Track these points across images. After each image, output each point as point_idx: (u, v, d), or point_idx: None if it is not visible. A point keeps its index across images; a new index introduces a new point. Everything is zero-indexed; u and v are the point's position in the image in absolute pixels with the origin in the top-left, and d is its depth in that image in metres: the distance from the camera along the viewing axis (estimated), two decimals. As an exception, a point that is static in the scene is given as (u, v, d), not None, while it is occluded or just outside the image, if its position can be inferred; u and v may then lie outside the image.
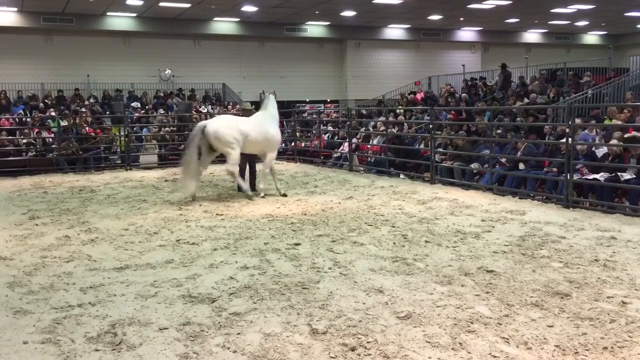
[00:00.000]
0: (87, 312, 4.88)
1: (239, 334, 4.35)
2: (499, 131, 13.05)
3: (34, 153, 16.58)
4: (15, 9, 21.79)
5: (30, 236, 7.86)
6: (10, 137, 17.06)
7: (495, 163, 11.50)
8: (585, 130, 11.71)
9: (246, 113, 11.67)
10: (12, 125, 18.56)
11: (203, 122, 11.06)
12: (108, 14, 23.25)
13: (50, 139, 17.17)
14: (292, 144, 18.72)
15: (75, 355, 4.04)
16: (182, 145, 18.45)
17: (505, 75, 20.40)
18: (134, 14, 23.71)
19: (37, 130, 17.46)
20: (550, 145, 10.98)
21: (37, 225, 8.63)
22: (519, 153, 11.17)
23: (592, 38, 33.79)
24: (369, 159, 15.49)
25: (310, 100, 28.42)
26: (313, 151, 18.04)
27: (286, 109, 23.57)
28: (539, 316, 4.57)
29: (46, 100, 22.50)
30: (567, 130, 9.56)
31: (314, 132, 19.66)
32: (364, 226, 8.05)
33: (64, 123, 17.81)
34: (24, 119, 19.80)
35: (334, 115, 22.52)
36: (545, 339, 4.14)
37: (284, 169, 15.73)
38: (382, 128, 16.04)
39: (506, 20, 27.76)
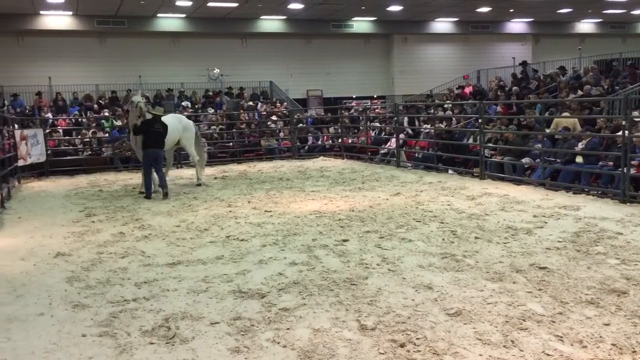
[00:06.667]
0: (141, 306, 5.02)
1: (288, 329, 4.39)
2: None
3: (90, 152, 17.14)
4: (71, 13, 22.57)
5: (87, 233, 8.14)
6: (67, 137, 17.72)
7: (547, 157, 11.21)
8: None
9: (156, 116, 11.44)
10: (68, 126, 19.28)
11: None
12: (158, 15, 23.81)
13: (105, 139, 17.71)
14: (340, 140, 18.73)
15: (131, 348, 4.17)
16: (231, 143, 18.87)
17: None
18: (183, 15, 24.19)
19: (92, 130, 18.05)
20: (606, 138, 10.62)
21: (93, 222, 8.93)
22: (579, 145, 10.82)
23: (649, 26, 32.47)
24: (417, 155, 15.35)
25: (357, 96, 28.35)
26: (360, 147, 18.00)
27: (333, 106, 23.67)
28: (594, 314, 4.44)
29: (100, 101, 23.19)
30: (624, 122, 9.24)
31: (361, 128, 19.62)
32: (412, 222, 7.99)
33: (117, 123, 18.33)
34: (79, 119, 20.50)
35: (380, 111, 22.37)
36: (601, 337, 4.03)
37: (331, 165, 15.77)
38: (426, 126, 15.85)
39: (558, 11, 26.95)
